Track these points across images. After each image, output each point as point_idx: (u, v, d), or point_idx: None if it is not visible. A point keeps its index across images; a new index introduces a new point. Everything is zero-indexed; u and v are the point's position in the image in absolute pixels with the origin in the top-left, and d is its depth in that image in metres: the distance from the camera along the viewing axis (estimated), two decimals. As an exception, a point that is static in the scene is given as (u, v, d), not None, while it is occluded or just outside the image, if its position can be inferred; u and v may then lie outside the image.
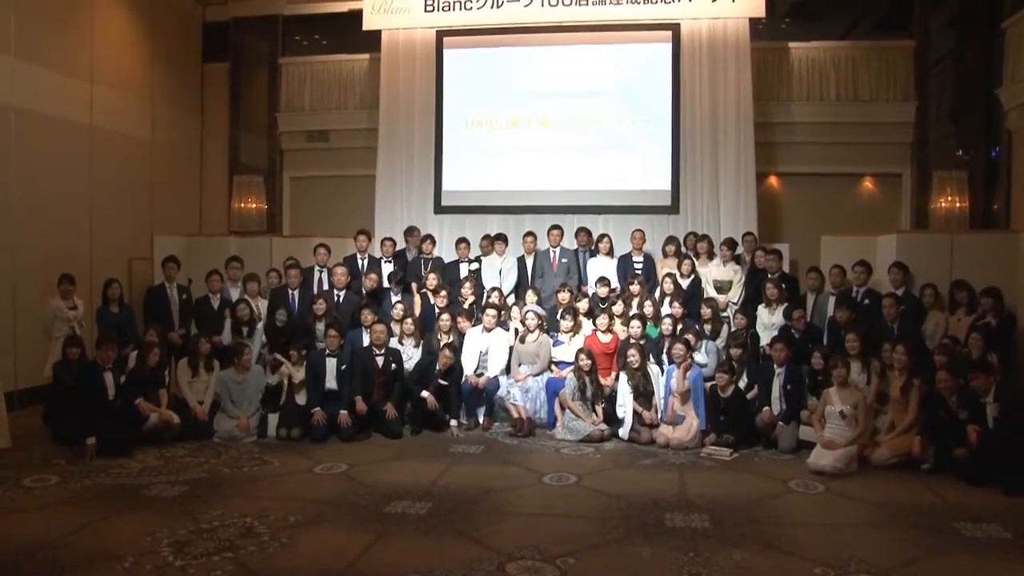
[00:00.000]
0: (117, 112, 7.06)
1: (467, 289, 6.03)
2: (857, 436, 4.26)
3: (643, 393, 4.96)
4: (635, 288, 5.82)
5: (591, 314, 5.70)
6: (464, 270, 6.44)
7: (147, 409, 4.69)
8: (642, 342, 5.24)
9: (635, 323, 5.31)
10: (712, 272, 6.12)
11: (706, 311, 5.51)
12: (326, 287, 6.05)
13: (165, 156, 7.75)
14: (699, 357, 5.20)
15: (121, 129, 7.12)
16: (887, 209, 7.49)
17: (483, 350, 5.53)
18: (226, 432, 4.90)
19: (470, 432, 5.23)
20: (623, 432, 4.88)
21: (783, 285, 5.53)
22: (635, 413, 4.92)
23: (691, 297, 5.80)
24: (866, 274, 5.46)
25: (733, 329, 5.48)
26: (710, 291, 5.99)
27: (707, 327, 5.47)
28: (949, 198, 7.06)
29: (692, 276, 6.00)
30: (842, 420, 4.30)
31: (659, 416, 4.99)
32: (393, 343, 5.49)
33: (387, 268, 6.31)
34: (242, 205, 8.15)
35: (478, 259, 6.60)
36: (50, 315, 5.29)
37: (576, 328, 5.60)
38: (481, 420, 5.37)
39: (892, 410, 4.46)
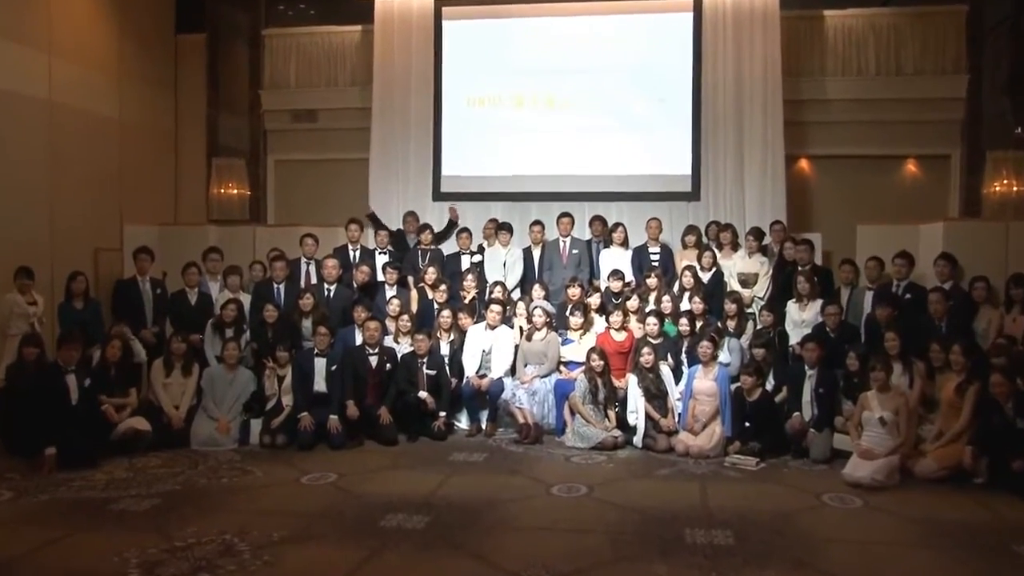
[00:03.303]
0: (79, 87, 6.91)
1: (469, 283, 6.02)
2: (899, 445, 4.22)
3: (654, 395, 4.98)
4: (652, 282, 5.83)
5: (604, 310, 5.69)
6: (465, 262, 6.45)
7: (115, 416, 4.69)
8: (659, 341, 5.24)
9: (651, 320, 5.31)
10: (736, 264, 6.11)
11: (730, 307, 5.48)
12: (314, 281, 6.05)
13: (135, 137, 7.67)
14: (722, 356, 5.17)
15: (84, 106, 6.98)
16: (932, 195, 7.40)
17: (486, 349, 5.55)
18: (204, 438, 4.91)
19: (472, 439, 5.24)
20: (638, 439, 4.89)
21: (815, 279, 5.50)
22: (651, 419, 4.92)
23: (713, 292, 5.79)
24: (907, 267, 5.41)
25: (759, 327, 5.45)
26: (734, 285, 5.98)
27: (730, 324, 5.44)
28: (1004, 181, 6.81)
29: (714, 269, 5.99)
30: (882, 427, 4.26)
31: (678, 422, 4.97)
32: (388, 342, 5.51)
33: (381, 260, 6.31)
34: (222, 191, 8.15)
35: (480, 250, 6.62)
36: (6, 311, 5.18)
37: (587, 325, 5.60)
38: (484, 425, 5.39)
39: (940, 417, 4.42)
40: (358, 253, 6.40)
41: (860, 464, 4.16)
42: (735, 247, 6.30)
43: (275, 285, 5.86)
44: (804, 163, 7.73)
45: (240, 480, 4.26)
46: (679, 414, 5.01)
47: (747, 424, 4.78)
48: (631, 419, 4.97)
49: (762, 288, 5.97)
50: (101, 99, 7.28)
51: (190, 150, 8.31)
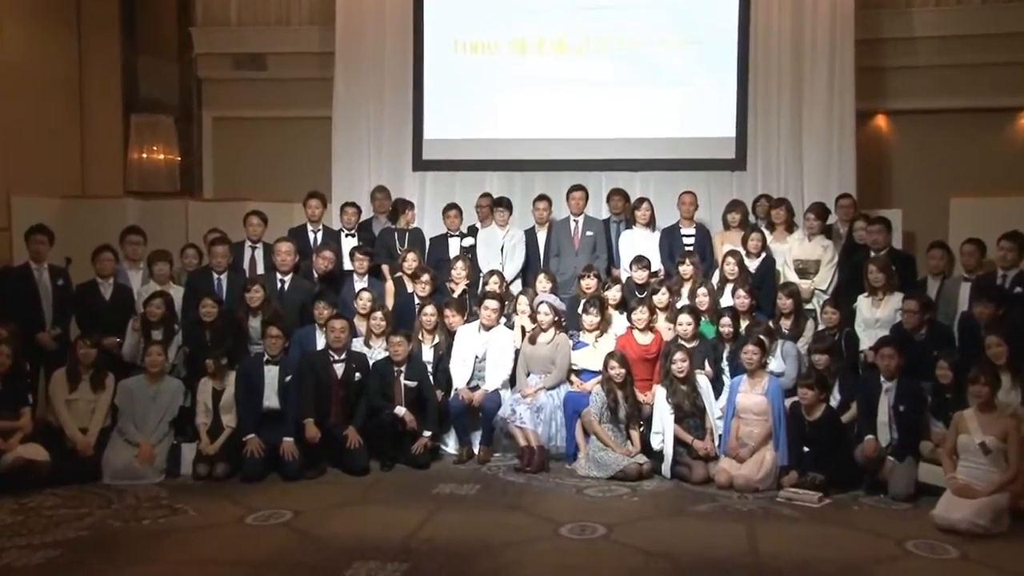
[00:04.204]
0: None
1: (458, 272, 6.05)
2: (1007, 481, 4.16)
3: (689, 413, 4.99)
4: (685, 271, 5.83)
5: (625, 306, 5.71)
6: (454, 247, 6.48)
7: (0, 443, 4.65)
8: (694, 344, 5.23)
9: (685, 318, 5.32)
10: (793, 249, 6.10)
11: (784, 302, 5.47)
12: (264, 269, 6.08)
13: (24, 86, 7.44)
14: (774, 364, 5.16)
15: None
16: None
17: (479, 355, 5.56)
18: (120, 469, 4.88)
19: (461, 466, 5.26)
20: (667, 467, 4.91)
21: (893, 267, 5.48)
22: (682, 442, 4.94)
23: (762, 284, 5.79)
24: (1017, 252, 5.33)
25: (821, 327, 5.47)
26: (789, 275, 5.98)
27: (784, 324, 5.43)
28: None
29: (764, 255, 5.99)
30: (984, 457, 4.22)
31: (718, 445, 4.98)
32: (357, 345, 5.52)
33: (348, 244, 6.31)
34: (143, 156, 8.10)
35: (472, 231, 6.63)
36: None
37: (605, 325, 5.61)
38: (476, 449, 5.40)
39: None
40: (319, 235, 6.41)
41: (956, 503, 4.13)
42: (791, 227, 6.29)
43: (214, 275, 5.87)
44: (881, 120, 7.69)
45: (168, 522, 4.24)
46: (719, 436, 5.02)
47: (806, 449, 4.77)
48: (656, 442, 5.00)
49: (825, 279, 5.97)
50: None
51: (100, 104, 8.20)
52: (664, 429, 4.98)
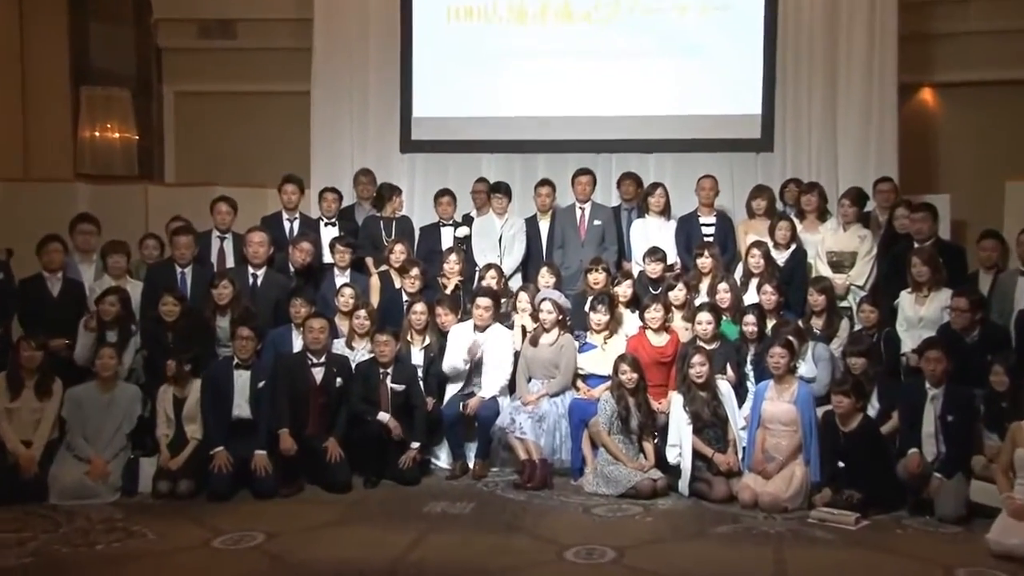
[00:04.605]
0: None
1: (451, 266, 6.05)
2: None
3: (709, 423, 4.97)
4: (704, 264, 5.81)
5: (637, 304, 5.69)
6: (447, 237, 6.49)
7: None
8: (714, 346, 5.21)
9: (704, 317, 5.30)
10: (826, 240, 6.08)
11: (816, 299, 5.44)
12: (233, 262, 6.07)
13: None
14: (804, 369, 5.13)
15: None
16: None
17: (475, 357, 5.53)
18: (70, 488, 4.83)
19: (455, 481, 5.25)
20: (684, 484, 4.90)
21: (940, 260, 5.42)
22: (702, 456, 4.92)
23: (791, 278, 5.76)
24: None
25: (857, 327, 5.46)
26: (822, 269, 5.95)
27: (816, 324, 5.41)
28: None
29: (794, 246, 5.95)
30: (1046, 474, 4.21)
31: (742, 459, 4.97)
32: (338, 347, 5.50)
33: (328, 234, 6.31)
34: (96, 134, 8.07)
35: (467, 220, 6.63)
36: None
37: (615, 325, 5.60)
38: (471, 463, 5.40)
39: None
40: (296, 224, 6.40)
41: (1012, 527, 4.09)
42: (823, 215, 6.26)
43: (177, 269, 5.85)
44: (927, 94, 7.68)
45: (124, 546, 4.19)
46: (743, 449, 5.01)
47: (841, 464, 4.74)
48: (672, 455, 4.98)
49: (862, 273, 5.95)
50: None
51: (45, 75, 8.13)
52: (681, 441, 4.95)
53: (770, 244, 5.89)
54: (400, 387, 5.29)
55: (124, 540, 4.27)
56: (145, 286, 5.77)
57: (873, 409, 4.99)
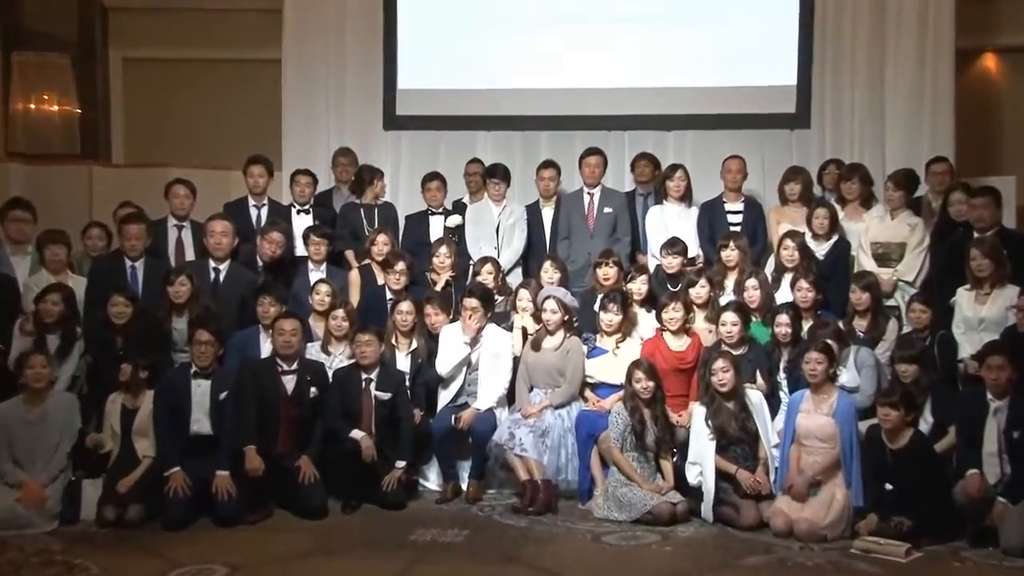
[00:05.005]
0: None
1: (441, 260, 6.06)
2: None
3: (735, 439, 4.96)
4: (730, 257, 5.82)
5: (653, 303, 5.68)
6: (436, 227, 6.51)
7: None
8: (741, 351, 5.20)
9: (729, 317, 5.28)
10: (871, 229, 6.05)
11: (859, 296, 5.43)
12: (192, 255, 6.07)
13: None
14: (845, 377, 5.11)
15: None
16: None
17: (468, 363, 5.57)
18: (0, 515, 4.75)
19: (445, 506, 5.26)
20: (708, 508, 4.88)
21: (1003, 251, 5.36)
22: (724, 475, 4.89)
23: (831, 273, 5.77)
24: None
25: (907, 329, 5.46)
26: (866, 263, 5.94)
27: (859, 325, 5.40)
28: None
29: (834, 238, 5.95)
30: None
31: (773, 480, 4.96)
32: (313, 352, 5.50)
33: (301, 223, 6.32)
34: (30, 106, 8.07)
35: (459, 208, 6.65)
36: None
37: (628, 327, 5.60)
38: (464, 484, 5.40)
39: None
40: (264, 211, 6.38)
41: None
42: (868, 201, 6.25)
43: (127, 262, 5.80)
44: (989, 61, 7.71)
45: (63, 582, 4.18)
46: (775, 468, 4.99)
47: (889, 487, 4.71)
48: (693, 475, 4.97)
49: (912, 267, 5.94)
50: None
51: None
52: (702, 459, 4.93)
53: (808, 234, 5.88)
54: (386, 395, 5.28)
55: (63, 575, 4.22)
56: (89, 283, 5.73)
57: (926, 424, 4.98)
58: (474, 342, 5.50)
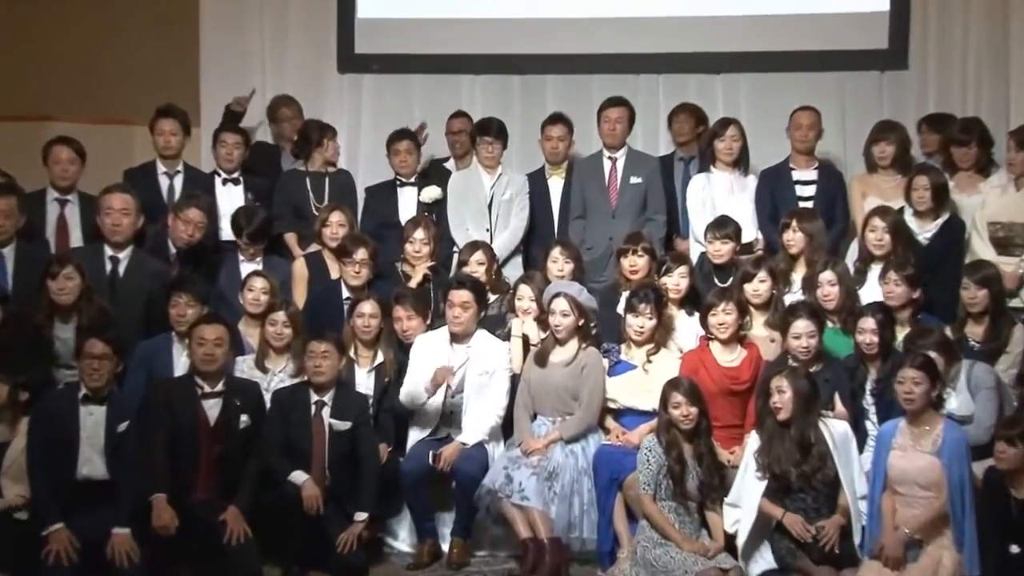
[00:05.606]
0: None
1: (415, 246, 6.01)
2: None
3: (804, 484, 4.79)
4: (793, 240, 5.72)
5: (696, 303, 5.62)
6: (408, 202, 6.51)
7: None
8: (815, 369, 5.09)
9: (801, 325, 5.15)
10: (989, 204, 5.93)
11: (973, 295, 5.27)
12: (81, 240, 6.04)
13: None
14: (953, 403, 4.93)
15: None
16: None
17: (449, 382, 5.42)
18: None
19: (420, 572, 5.18)
20: (751, 566, 4.82)
21: None
22: (784, 531, 4.75)
23: (938, 263, 5.68)
24: None
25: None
26: (982, 251, 5.82)
27: (974, 332, 5.29)
28: None
29: (942, 215, 5.85)
30: None
31: (860, 541, 4.78)
32: (243, 368, 5.42)
33: (229, 196, 6.30)
34: None
35: (438, 175, 6.67)
36: None
37: (663, 334, 5.49)
38: (446, 544, 5.29)
39: None
40: (179, 181, 6.36)
41: None
42: (986, 168, 6.13)
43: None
44: None
45: None
46: (863, 527, 4.81)
47: (1016, 550, 4.52)
48: (729, 521, 4.89)
49: (1044, 257, 5.94)
50: None
51: None
52: (744, 500, 4.81)
53: (909, 213, 5.82)
54: (344, 425, 5.14)
55: None
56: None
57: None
58: (462, 341, 5.41)
